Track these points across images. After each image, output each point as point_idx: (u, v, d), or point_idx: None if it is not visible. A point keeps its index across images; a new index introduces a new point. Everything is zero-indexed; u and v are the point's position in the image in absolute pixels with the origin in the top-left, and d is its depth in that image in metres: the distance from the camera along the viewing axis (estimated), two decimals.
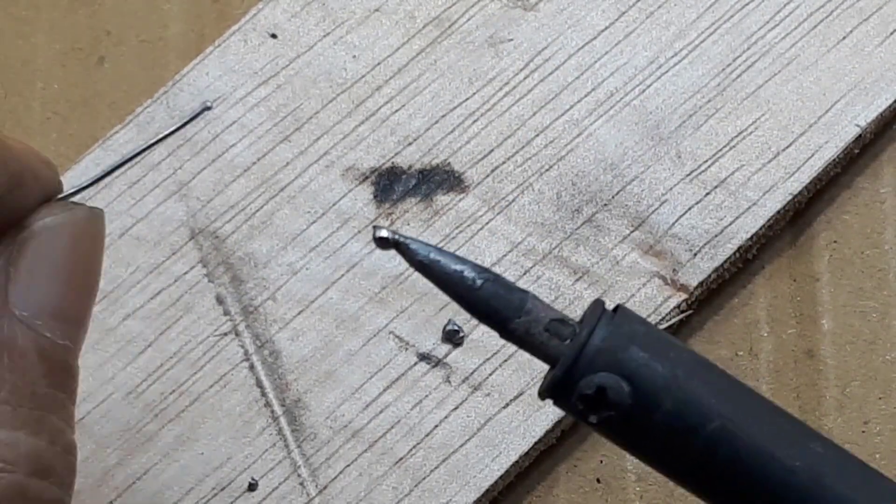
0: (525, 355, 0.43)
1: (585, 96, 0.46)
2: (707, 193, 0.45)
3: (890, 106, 0.45)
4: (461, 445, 0.42)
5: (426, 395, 0.43)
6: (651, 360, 0.32)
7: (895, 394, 0.44)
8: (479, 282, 0.32)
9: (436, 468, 0.42)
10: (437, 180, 0.45)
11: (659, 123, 0.46)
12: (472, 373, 0.43)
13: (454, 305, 0.44)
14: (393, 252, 0.44)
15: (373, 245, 0.45)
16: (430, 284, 0.44)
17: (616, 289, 0.44)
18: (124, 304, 0.44)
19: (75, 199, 0.36)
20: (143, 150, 0.38)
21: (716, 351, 0.44)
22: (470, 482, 0.42)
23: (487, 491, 0.42)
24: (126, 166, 0.46)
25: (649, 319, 0.43)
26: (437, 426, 0.43)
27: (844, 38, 0.46)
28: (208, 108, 0.36)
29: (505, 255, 0.44)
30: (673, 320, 0.44)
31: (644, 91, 0.46)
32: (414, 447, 0.43)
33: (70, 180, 0.45)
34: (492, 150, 0.46)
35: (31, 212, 0.35)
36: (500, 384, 0.43)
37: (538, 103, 0.46)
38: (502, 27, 0.47)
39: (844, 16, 0.46)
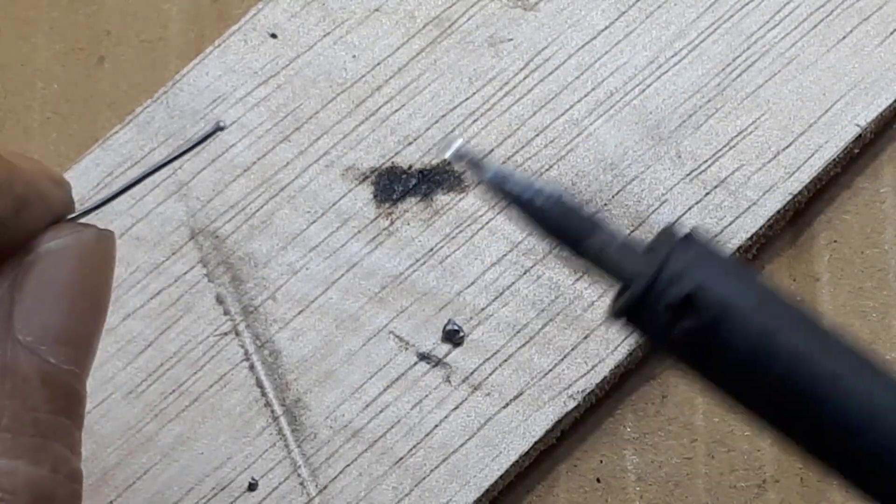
0: (524, 355, 0.43)
1: (585, 96, 0.46)
2: (707, 193, 0.45)
3: (890, 106, 0.45)
4: (461, 445, 0.42)
5: (426, 395, 0.43)
6: (734, 278, 0.31)
7: None
8: (551, 200, 0.31)
9: (436, 468, 0.42)
10: (437, 180, 0.45)
11: (659, 123, 0.46)
12: (472, 373, 0.43)
13: (454, 305, 0.44)
14: (393, 251, 0.45)
15: (373, 245, 0.45)
16: (430, 284, 0.44)
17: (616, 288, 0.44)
18: (124, 304, 0.44)
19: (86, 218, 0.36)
20: (159, 167, 0.37)
21: None
22: (470, 482, 0.42)
23: (487, 491, 0.42)
24: (126, 166, 0.46)
25: None
26: (437, 426, 0.43)
27: (844, 38, 0.46)
28: (221, 129, 0.36)
29: (505, 255, 0.44)
30: None
31: (644, 91, 0.46)
32: (414, 447, 0.43)
33: (70, 180, 0.45)
34: (492, 150, 0.46)
35: (38, 234, 0.34)
36: (500, 384, 0.43)
37: (538, 103, 0.46)
38: (502, 27, 0.47)
39: (844, 16, 0.46)
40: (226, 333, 0.44)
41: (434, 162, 0.46)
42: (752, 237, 0.44)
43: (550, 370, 0.43)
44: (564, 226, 0.32)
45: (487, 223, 0.45)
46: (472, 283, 0.44)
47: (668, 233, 0.32)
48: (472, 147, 0.32)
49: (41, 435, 0.33)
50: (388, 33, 0.47)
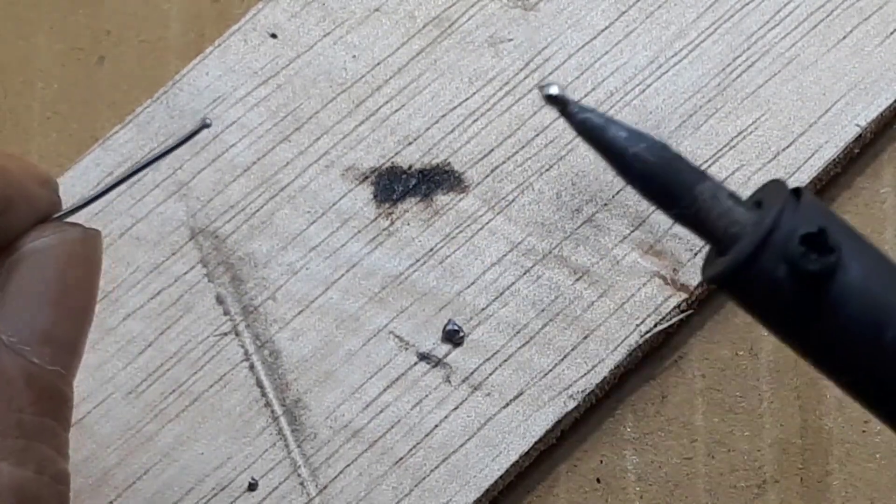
0: (524, 355, 0.43)
1: (585, 96, 0.46)
2: None
3: (890, 106, 0.45)
4: (461, 445, 0.42)
5: (426, 395, 0.43)
6: (851, 229, 0.30)
7: None
8: (654, 149, 0.30)
9: (436, 468, 0.42)
10: (437, 180, 0.45)
11: (659, 123, 0.46)
12: (472, 373, 0.43)
13: (454, 305, 0.44)
14: (393, 251, 0.45)
15: (373, 245, 0.45)
16: (430, 284, 0.44)
17: (616, 288, 0.44)
18: (124, 304, 0.44)
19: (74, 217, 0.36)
20: (141, 168, 0.37)
21: (716, 351, 0.44)
22: (470, 482, 0.42)
23: (487, 491, 0.42)
24: (125, 166, 0.46)
25: (649, 319, 0.43)
26: (437, 426, 0.43)
27: (844, 38, 0.46)
28: (207, 126, 0.36)
29: (505, 255, 0.44)
30: (673, 320, 0.44)
31: (644, 91, 0.46)
32: (414, 447, 0.43)
33: (70, 180, 0.45)
34: (492, 150, 0.46)
35: (23, 234, 0.34)
36: (500, 384, 0.43)
37: (538, 103, 0.46)
38: (502, 27, 0.47)
39: (844, 16, 0.46)
40: (226, 333, 0.44)
41: (434, 162, 0.46)
42: None
43: (550, 370, 0.43)
44: (666, 175, 0.30)
45: (487, 223, 0.45)
46: (472, 283, 0.44)
47: (775, 185, 0.31)
48: (571, 92, 0.30)
49: (26, 436, 0.32)
50: (388, 33, 0.47)
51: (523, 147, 0.46)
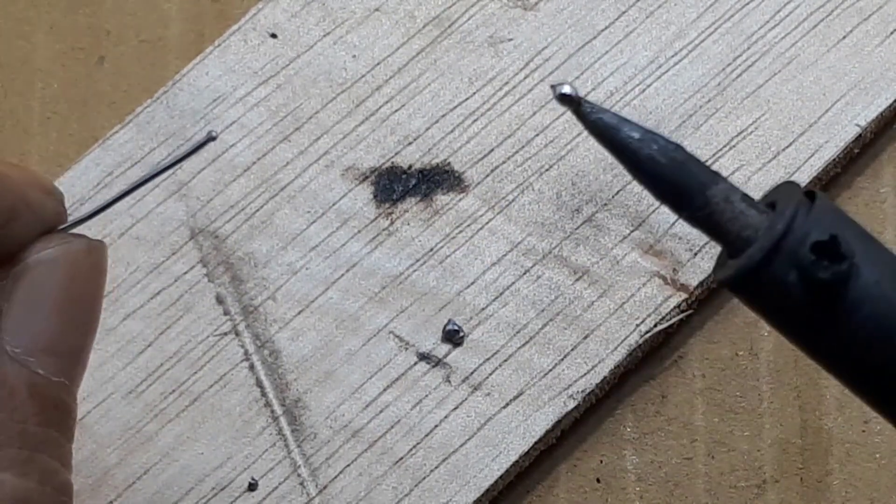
0: (524, 355, 0.43)
1: (585, 96, 0.46)
2: None
3: (890, 106, 0.45)
4: (461, 445, 0.42)
5: (426, 395, 0.43)
6: (863, 233, 0.29)
7: None
8: (667, 149, 0.30)
9: (436, 468, 0.42)
10: (437, 180, 0.45)
11: (659, 123, 0.46)
12: (472, 373, 0.43)
13: (454, 305, 0.44)
14: (393, 251, 0.45)
15: (373, 245, 0.45)
16: (430, 284, 0.44)
17: (616, 288, 0.44)
18: (124, 304, 0.44)
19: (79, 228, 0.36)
20: (144, 181, 0.37)
21: (716, 350, 0.44)
22: (470, 482, 0.42)
23: (487, 491, 0.42)
24: (126, 166, 0.46)
25: (649, 319, 0.43)
26: (437, 426, 0.43)
27: (844, 37, 0.46)
28: (213, 139, 0.36)
29: (505, 255, 0.44)
30: (673, 320, 0.44)
31: (644, 91, 0.46)
32: (414, 447, 0.43)
33: (70, 180, 0.45)
34: (492, 150, 0.46)
35: (28, 244, 0.34)
36: (500, 384, 0.43)
37: (538, 103, 0.46)
38: (502, 27, 0.47)
39: (844, 16, 0.46)
40: (226, 333, 0.44)
41: (434, 162, 0.46)
42: None
43: (550, 370, 0.43)
44: (678, 177, 0.30)
45: (487, 223, 0.45)
46: (472, 283, 0.44)
47: (788, 187, 0.30)
48: (579, 91, 0.30)
49: (29, 447, 0.32)
50: (388, 33, 0.47)
51: (523, 147, 0.46)
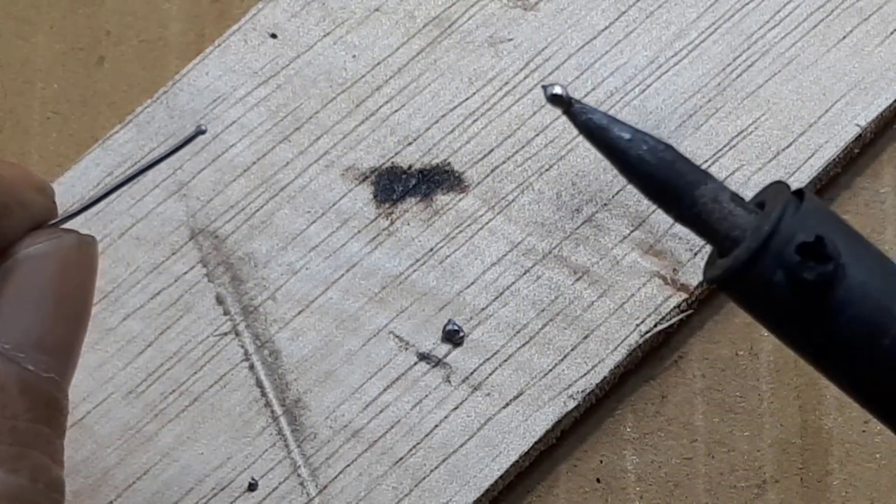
0: (524, 355, 0.43)
1: (585, 96, 0.46)
2: None
3: (890, 106, 0.45)
4: (461, 445, 0.42)
5: (426, 395, 0.43)
6: (851, 232, 0.29)
7: None
8: (657, 149, 0.30)
9: (436, 468, 0.42)
10: (437, 180, 0.45)
11: (659, 123, 0.46)
12: (472, 373, 0.43)
13: (454, 305, 0.44)
14: (393, 251, 0.45)
15: (373, 245, 0.45)
16: (430, 284, 0.44)
17: (616, 288, 0.44)
18: (124, 304, 0.44)
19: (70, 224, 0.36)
20: (134, 175, 0.37)
21: (716, 350, 0.44)
22: (470, 482, 0.42)
23: (487, 491, 0.42)
24: (126, 166, 0.46)
25: (649, 319, 0.43)
26: (437, 426, 0.43)
27: (844, 38, 0.46)
28: (202, 132, 0.36)
29: (505, 255, 0.44)
30: (673, 320, 0.44)
31: (644, 91, 0.46)
32: (414, 447, 0.43)
33: (70, 180, 0.45)
34: (492, 150, 0.46)
35: (18, 240, 0.34)
36: (500, 384, 0.43)
37: (538, 103, 0.46)
38: (502, 27, 0.47)
39: (844, 16, 0.46)
40: (226, 333, 0.44)
41: (434, 162, 0.46)
42: None
43: (550, 370, 0.43)
44: (668, 177, 0.30)
45: (487, 223, 0.45)
46: (472, 283, 0.44)
47: (778, 187, 0.31)
48: (572, 92, 0.30)
49: (20, 444, 0.32)
50: (388, 33, 0.47)
51: (523, 147, 0.46)
